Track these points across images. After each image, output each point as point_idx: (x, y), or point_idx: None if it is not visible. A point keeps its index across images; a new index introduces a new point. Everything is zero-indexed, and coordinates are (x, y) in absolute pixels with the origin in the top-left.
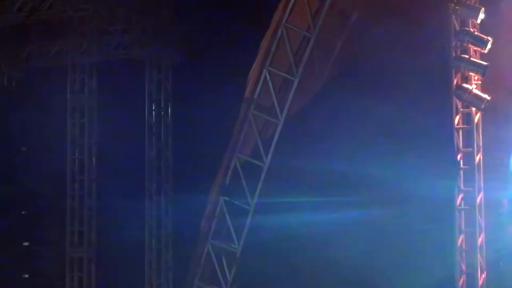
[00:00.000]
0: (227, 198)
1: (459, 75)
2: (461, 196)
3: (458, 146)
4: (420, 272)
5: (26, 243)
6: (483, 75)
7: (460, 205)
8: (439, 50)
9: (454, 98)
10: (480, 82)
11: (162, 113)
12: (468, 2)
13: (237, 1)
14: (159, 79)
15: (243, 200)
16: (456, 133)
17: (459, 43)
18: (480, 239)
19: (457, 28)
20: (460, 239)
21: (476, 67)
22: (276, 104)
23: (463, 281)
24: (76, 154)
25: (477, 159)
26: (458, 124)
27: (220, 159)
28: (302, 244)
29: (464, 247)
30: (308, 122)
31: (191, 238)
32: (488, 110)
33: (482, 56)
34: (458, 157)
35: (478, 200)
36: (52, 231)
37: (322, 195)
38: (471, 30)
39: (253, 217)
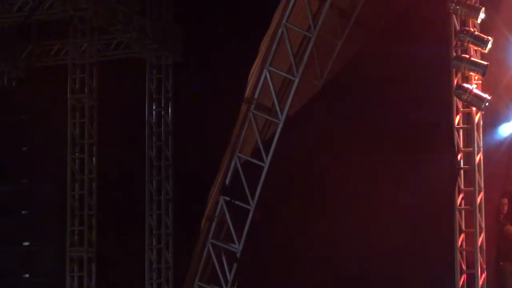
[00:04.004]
0: (227, 198)
1: (459, 75)
2: (461, 196)
3: (458, 146)
4: (419, 272)
5: (26, 243)
6: (483, 75)
7: (460, 205)
8: (440, 49)
9: (455, 98)
10: (480, 82)
11: (162, 112)
12: (468, 2)
13: (237, 1)
14: (159, 79)
15: (243, 200)
16: (456, 133)
17: (459, 43)
18: (480, 239)
19: (457, 28)
20: (460, 239)
21: (477, 67)
22: (276, 104)
23: (463, 281)
24: (76, 154)
25: (477, 159)
26: (458, 124)
27: (220, 159)
28: (303, 246)
29: (464, 247)
30: (306, 122)
31: (191, 238)
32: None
33: (483, 56)
34: (458, 157)
35: (478, 200)
36: (52, 231)
37: (321, 197)
38: (471, 30)
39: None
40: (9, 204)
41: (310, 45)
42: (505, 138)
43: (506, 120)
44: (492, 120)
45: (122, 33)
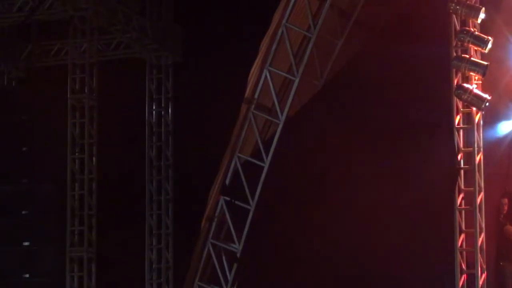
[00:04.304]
0: (227, 198)
1: (459, 75)
2: (461, 196)
3: (458, 146)
4: (419, 272)
5: (26, 243)
6: (483, 75)
7: (460, 205)
8: (440, 49)
9: (455, 98)
10: (480, 82)
11: (163, 112)
12: (468, 2)
13: (237, 1)
14: (159, 79)
15: (243, 200)
16: (456, 133)
17: (459, 43)
18: (480, 239)
19: (457, 28)
20: (460, 239)
21: (477, 67)
22: (276, 104)
23: (463, 281)
24: (76, 154)
25: (477, 159)
26: (458, 124)
27: (220, 159)
28: (303, 246)
29: (464, 247)
30: (306, 122)
31: (191, 238)
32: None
33: (483, 56)
34: (458, 157)
35: (478, 200)
36: (52, 231)
37: (321, 197)
38: (471, 30)
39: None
40: (9, 204)
41: (310, 45)
42: (505, 137)
43: (506, 118)
44: (492, 120)
45: (122, 33)
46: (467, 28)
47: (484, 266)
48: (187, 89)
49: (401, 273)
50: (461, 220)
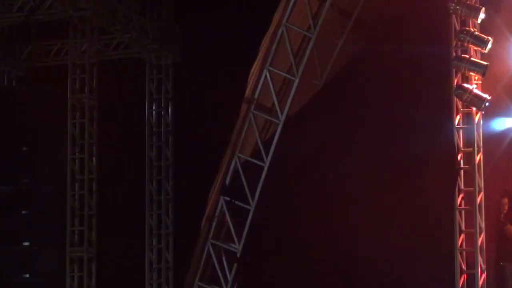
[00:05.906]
0: (227, 198)
1: (459, 75)
2: (461, 196)
3: (458, 146)
4: (419, 272)
5: (26, 243)
6: (483, 75)
7: (460, 205)
8: (440, 49)
9: (455, 98)
10: (480, 82)
11: (163, 112)
12: (468, 2)
13: (237, 1)
14: (159, 79)
15: (243, 200)
16: (456, 133)
17: (459, 43)
18: (480, 239)
19: (457, 28)
20: (460, 239)
21: (477, 67)
22: (276, 104)
23: (463, 281)
24: (76, 154)
25: (477, 159)
26: (458, 124)
27: (220, 159)
28: (303, 246)
29: (464, 247)
30: (306, 122)
31: (191, 238)
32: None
33: (483, 56)
34: (458, 157)
35: (478, 200)
36: (52, 231)
37: (321, 196)
38: (471, 30)
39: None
40: (9, 204)
41: (310, 45)
42: (505, 137)
43: (505, 116)
44: (492, 118)
45: (122, 33)
46: (467, 28)
47: (484, 266)
48: (187, 89)
49: (401, 273)
50: (461, 220)
